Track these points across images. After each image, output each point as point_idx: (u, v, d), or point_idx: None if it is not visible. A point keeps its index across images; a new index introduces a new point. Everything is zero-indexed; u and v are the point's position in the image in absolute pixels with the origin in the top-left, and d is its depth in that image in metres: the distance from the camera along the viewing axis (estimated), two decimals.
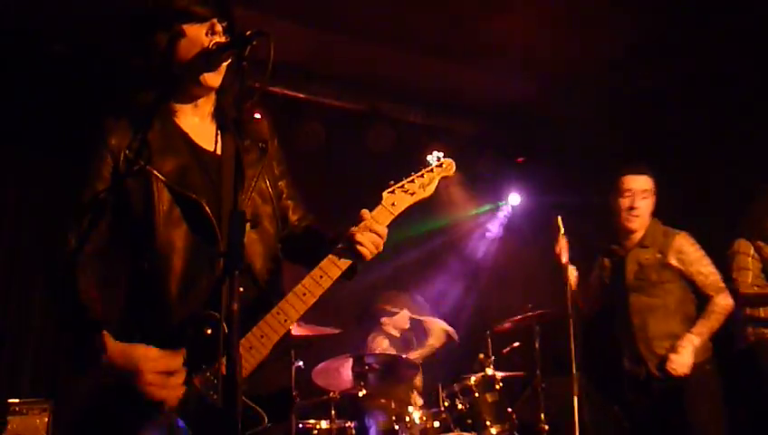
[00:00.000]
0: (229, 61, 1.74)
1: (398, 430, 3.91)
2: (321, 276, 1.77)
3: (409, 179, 1.95)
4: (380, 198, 1.89)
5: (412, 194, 1.93)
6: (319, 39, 4.69)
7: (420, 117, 5.48)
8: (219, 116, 1.85)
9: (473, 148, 5.81)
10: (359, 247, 1.78)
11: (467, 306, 5.57)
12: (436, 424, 3.95)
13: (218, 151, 1.78)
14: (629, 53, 4.73)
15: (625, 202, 3.47)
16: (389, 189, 1.92)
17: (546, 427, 4.29)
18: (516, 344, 4.61)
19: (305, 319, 3.82)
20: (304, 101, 5.05)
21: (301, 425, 3.91)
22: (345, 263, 1.80)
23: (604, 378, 5.19)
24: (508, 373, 4.31)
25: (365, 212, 1.84)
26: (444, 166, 2.01)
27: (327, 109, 5.18)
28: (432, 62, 5.00)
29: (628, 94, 5.07)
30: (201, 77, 1.75)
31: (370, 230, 1.80)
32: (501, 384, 4.26)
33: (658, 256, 3.46)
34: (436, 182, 1.98)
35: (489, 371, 4.26)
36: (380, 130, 5.28)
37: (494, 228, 6.23)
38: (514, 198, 6.25)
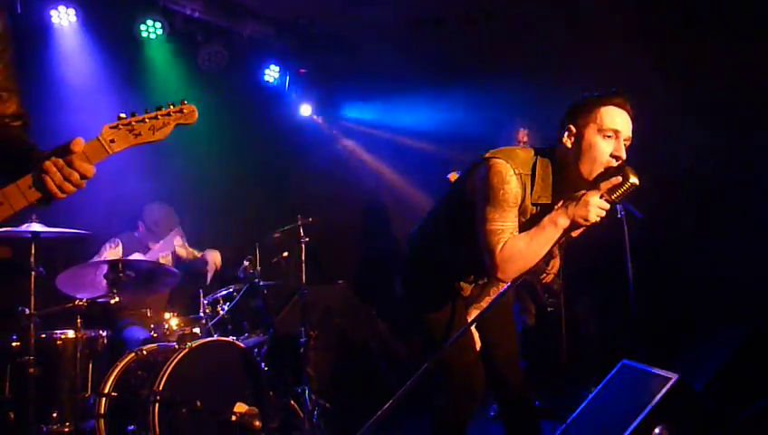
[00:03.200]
0: None
1: (155, 338, 3.79)
2: (2, 203, 1.60)
3: (139, 118, 1.76)
4: (101, 130, 1.72)
5: (137, 135, 1.76)
6: None
7: (198, 11, 5.06)
8: None
9: (253, 53, 5.57)
10: (51, 187, 1.62)
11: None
12: (196, 330, 3.89)
13: None
14: None
15: (607, 146, 2.18)
16: (113, 124, 1.73)
17: (312, 333, 4.47)
18: (285, 254, 4.68)
19: (48, 220, 3.45)
20: None
21: (44, 335, 3.60)
22: (34, 195, 1.63)
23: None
24: (272, 281, 4.37)
25: (79, 142, 1.66)
26: (185, 112, 1.84)
27: None
28: None
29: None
30: None
31: (73, 167, 1.63)
32: (265, 292, 4.32)
33: None
34: (171, 128, 1.82)
35: (254, 278, 4.29)
36: (152, 20, 4.78)
37: None
38: (305, 109, 6.22)
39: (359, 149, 6.48)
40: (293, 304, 4.84)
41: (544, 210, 2.23)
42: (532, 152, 2.26)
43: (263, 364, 3.80)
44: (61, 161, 1.62)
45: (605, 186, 2.10)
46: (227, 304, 4.12)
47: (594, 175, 2.15)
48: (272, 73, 5.88)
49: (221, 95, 5.30)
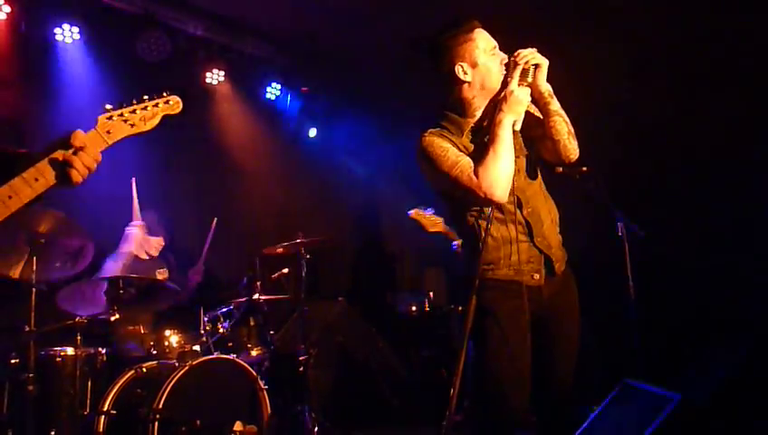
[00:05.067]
0: None
1: (155, 355, 3.78)
2: (11, 197, 1.70)
3: (131, 109, 1.90)
4: (96, 121, 1.84)
5: (132, 126, 1.89)
6: None
7: (201, 30, 5.10)
8: None
9: (256, 71, 5.61)
10: (71, 172, 1.75)
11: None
12: (196, 348, 3.88)
13: None
14: None
15: (496, 60, 2.40)
16: (107, 114, 1.86)
17: (312, 351, 4.46)
18: (286, 271, 4.67)
19: None
20: None
21: (43, 352, 3.59)
22: (42, 186, 1.73)
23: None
24: (272, 297, 4.36)
25: (78, 135, 1.78)
26: (171, 103, 1.99)
27: (93, 5, 4.60)
28: None
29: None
30: None
31: (89, 155, 1.77)
32: (265, 308, 4.31)
33: None
34: (158, 118, 1.96)
35: (255, 295, 4.28)
36: (155, 38, 4.82)
37: None
38: (311, 131, 6.27)
39: (359, 166, 6.51)
40: (293, 321, 4.83)
41: (478, 135, 2.38)
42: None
43: (263, 382, 3.78)
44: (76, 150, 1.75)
45: (515, 76, 2.28)
46: (228, 320, 4.10)
47: (500, 83, 2.35)
48: (273, 91, 5.92)
49: (223, 112, 5.34)
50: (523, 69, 2.27)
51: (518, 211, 2.34)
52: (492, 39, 2.39)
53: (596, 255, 4.13)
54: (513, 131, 2.28)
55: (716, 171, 4.40)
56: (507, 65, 2.32)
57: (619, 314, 3.76)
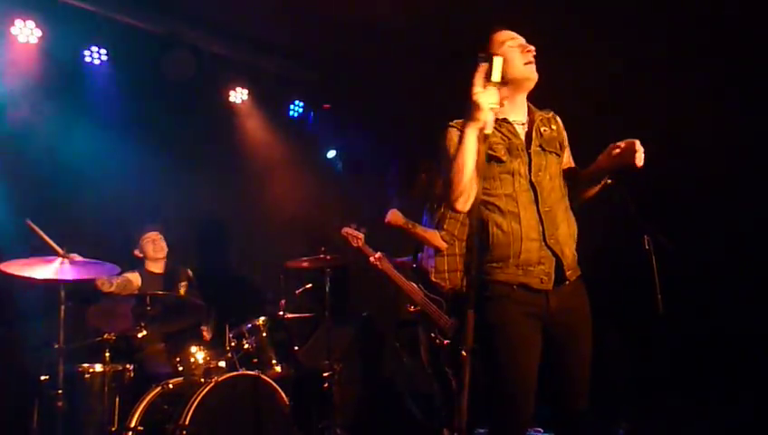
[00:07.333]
0: None
1: (181, 372, 3.80)
2: None
3: None
4: None
5: None
6: None
7: (224, 49, 5.17)
8: None
9: (278, 88, 5.66)
10: None
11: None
12: (221, 364, 3.89)
13: None
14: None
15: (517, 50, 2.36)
16: None
17: (337, 367, 4.45)
18: (309, 286, 4.68)
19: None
20: (92, 13, 4.54)
21: (72, 369, 3.62)
22: None
23: None
24: (297, 314, 4.37)
25: None
26: None
27: (118, 25, 4.69)
28: None
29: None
30: None
31: None
32: (289, 325, 4.32)
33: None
34: None
35: (279, 311, 4.30)
36: (180, 57, 4.90)
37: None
38: (330, 152, 6.31)
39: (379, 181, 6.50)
40: (318, 337, 4.83)
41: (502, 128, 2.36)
42: None
43: (288, 398, 3.78)
44: None
45: (480, 76, 2.08)
46: (252, 337, 4.11)
47: (522, 72, 2.34)
48: (296, 109, 5.96)
49: (247, 130, 5.39)
50: (487, 67, 2.05)
51: (534, 206, 2.30)
52: (513, 33, 2.38)
53: (624, 268, 4.07)
54: (536, 129, 2.30)
55: (750, 181, 4.32)
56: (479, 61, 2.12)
57: (647, 328, 3.70)
